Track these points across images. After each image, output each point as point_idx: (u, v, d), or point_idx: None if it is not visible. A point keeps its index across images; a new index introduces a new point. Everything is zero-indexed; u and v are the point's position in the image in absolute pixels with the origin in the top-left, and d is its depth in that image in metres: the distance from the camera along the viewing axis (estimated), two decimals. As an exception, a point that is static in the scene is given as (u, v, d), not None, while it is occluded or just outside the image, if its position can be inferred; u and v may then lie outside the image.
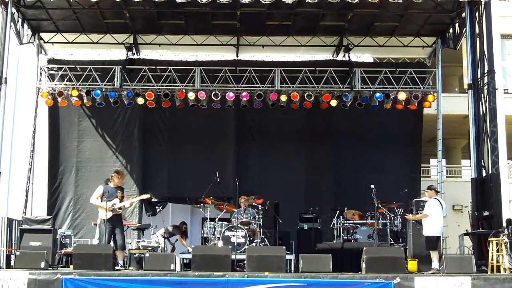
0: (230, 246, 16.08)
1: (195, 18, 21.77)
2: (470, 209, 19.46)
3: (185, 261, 17.16)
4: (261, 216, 18.09)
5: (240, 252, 16.48)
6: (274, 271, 14.47)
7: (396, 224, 19.03)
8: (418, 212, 16.80)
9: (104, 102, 22.20)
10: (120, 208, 16.17)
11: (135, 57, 23.13)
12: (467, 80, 20.18)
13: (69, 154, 23.24)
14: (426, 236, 16.16)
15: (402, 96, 21.76)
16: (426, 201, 17.05)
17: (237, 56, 23.45)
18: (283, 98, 21.77)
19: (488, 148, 18.63)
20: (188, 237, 20.60)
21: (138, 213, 22.58)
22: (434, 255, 15.94)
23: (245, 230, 17.31)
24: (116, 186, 16.37)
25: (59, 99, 22.15)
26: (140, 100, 22.01)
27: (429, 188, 16.66)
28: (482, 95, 19.09)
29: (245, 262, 15.11)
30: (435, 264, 15.76)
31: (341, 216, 19.56)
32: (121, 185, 16.66)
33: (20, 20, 21.33)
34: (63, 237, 18.98)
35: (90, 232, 21.35)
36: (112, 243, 15.87)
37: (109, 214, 15.89)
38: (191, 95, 21.65)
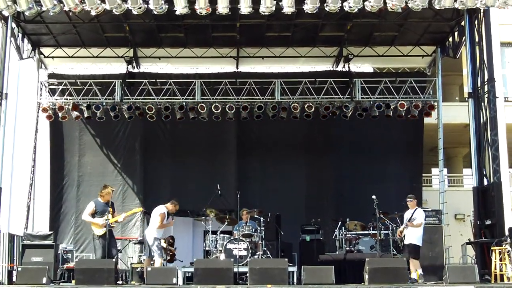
0: (232, 259, 16.05)
1: (194, 31, 21.80)
2: (472, 218, 19.41)
3: (187, 275, 17.11)
4: (263, 228, 18.03)
5: (243, 264, 16.40)
6: (276, 283, 14.41)
7: (398, 234, 18.99)
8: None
9: (105, 116, 22.22)
10: (112, 223, 16.13)
11: (135, 70, 23.18)
12: (467, 88, 20.16)
13: (71, 169, 23.28)
14: (414, 245, 16.11)
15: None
16: (429, 210, 17.17)
17: (237, 68, 23.49)
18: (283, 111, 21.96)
19: (489, 157, 18.61)
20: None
21: (139, 226, 22.57)
22: (417, 265, 15.92)
23: (247, 243, 17.27)
24: (106, 201, 16.26)
25: (60, 114, 22.16)
26: (141, 113, 22.08)
27: (415, 197, 16.70)
28: (483, 103, 19.09)
29: (248, 274, 15.03)
30: (414, 274, 15.70)
31: (343, 227, 19.52)
32: (112, 200, 16.58)
33: (20, 35, 21.38)
34: (65, 252, 18.94)
35: (92, 246, 21.26)
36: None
37: (104, 230, 15.80)
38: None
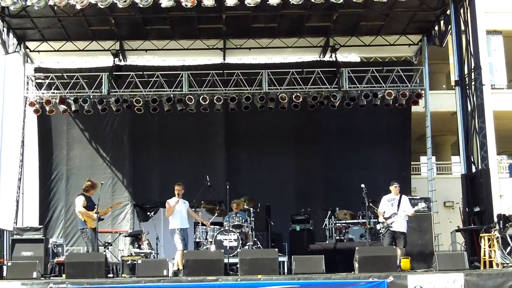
0: (222, 250, 16.06)
1: (181, 23, 21.76)
2: (461, 205, 19.51)
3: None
4: (253, 219, 18.08)
5: (233, 255, 16.45)
6: (267, 273, 14.43)
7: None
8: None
9: (93, 109, 22.14)
10: (102, 216, 16.45)
11: (122, 63, 23.13)
12: (454, 76, 20.26)
13: (59, 163, 23.19)
14: (404, 233, 16.20)
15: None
16: (418, 198, 17.24)
17: (224, 59, 23.47)
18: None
19: (477, 144, 18.70)
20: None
21: (130, 219, 22.56)
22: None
23: (237, 234, 17.31)
24: (90, 196, 16.54)
25: (47, 108, 22.05)
26: (128, 106, 22.06)
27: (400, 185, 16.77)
28: (470, 91, 19.17)
29: (238, 265, 15.09)
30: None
31: (332, 217, 19.57)
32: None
33: (5, 29, 21.29)
34: (55, 246, 18.87)
35: (82, 240, 21.25)
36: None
37: (95, 223, 16.06)
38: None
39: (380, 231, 16.48)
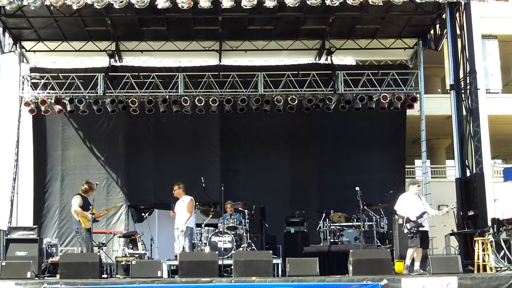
0: (217, 252, 16.07)
1: (177, 24, 21.75)
2: (456, 209, 19.54)
3: (172, 268, 17.12)
4: (248, 221, 18.07)
5: (227, 257, 16.46)
6: (261, 275, 14.44)
7: (382, 225, 19.01)
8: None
9: (88, 109, 22.13)
10: (97, 217, 16.55)
11: (118, 64, 23.08)
12: (449, 80, 20.29)
13: (54, 163, 23.18)
14: (427, 232, 16.05)
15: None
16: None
17: (220, 61, 23.46)
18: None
19: (471, 148, 18.72)
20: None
21: (124, 220, 22.56)
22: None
23: (232, 235, 17.30)
24: (88, 196, 16.69)
25: (42, 108, 22.03)
26: (124, 107, 22.06)
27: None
28: (465, 95, 19.19)
29: (232, 267, 15.08)
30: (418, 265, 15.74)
31: (327, 219, 19.57)
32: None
33: (1, 29, 21.25)
34: (49, 246, 18.85)
35: (76, 240, 21.23)
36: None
37: (90, 224, 16.26)
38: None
39: (412, 230, 15.74)
